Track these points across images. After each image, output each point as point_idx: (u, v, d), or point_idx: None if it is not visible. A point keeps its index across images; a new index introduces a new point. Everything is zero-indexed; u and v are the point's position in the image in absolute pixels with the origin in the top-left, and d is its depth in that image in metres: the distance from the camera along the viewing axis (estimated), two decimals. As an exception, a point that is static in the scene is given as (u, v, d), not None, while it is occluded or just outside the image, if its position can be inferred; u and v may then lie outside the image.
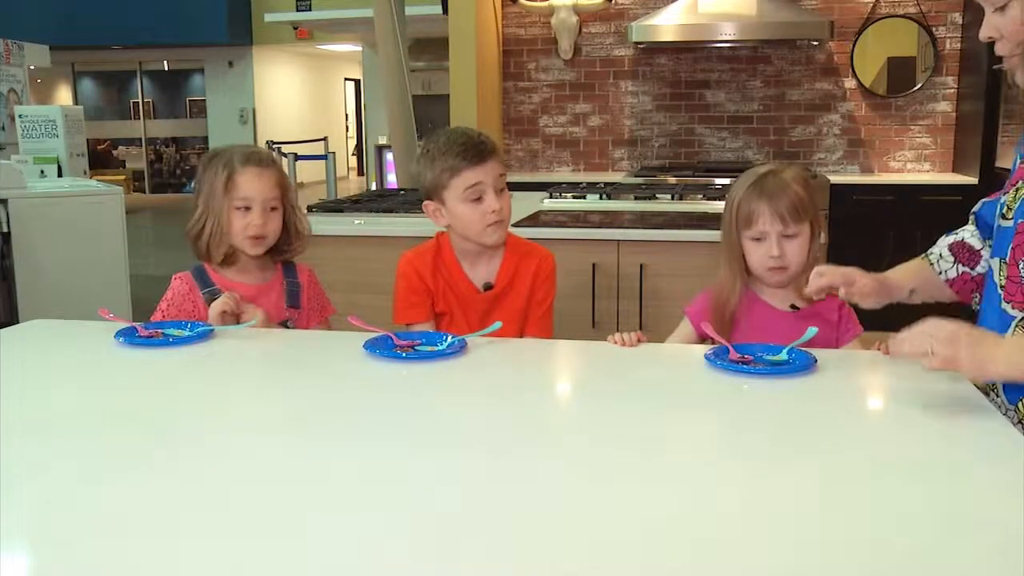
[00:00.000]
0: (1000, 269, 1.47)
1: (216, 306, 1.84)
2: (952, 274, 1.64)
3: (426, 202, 1.94)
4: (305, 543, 0.91)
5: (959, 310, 1.55)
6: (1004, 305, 1.44)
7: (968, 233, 1.66)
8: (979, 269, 1.63)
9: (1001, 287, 1.46)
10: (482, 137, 1.92)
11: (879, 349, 1.61)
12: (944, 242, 1.69)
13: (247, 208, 1.90)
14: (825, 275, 1.59)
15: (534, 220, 3.10)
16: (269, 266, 2.00)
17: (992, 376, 1.26)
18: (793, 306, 1.79)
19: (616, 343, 1.67)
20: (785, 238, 1.73)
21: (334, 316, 2.09)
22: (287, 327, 1.96)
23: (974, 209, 1.68)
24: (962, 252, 1.64)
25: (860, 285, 1.58)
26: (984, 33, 1.48)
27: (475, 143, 1.88)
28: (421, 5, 5.83)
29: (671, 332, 1.89)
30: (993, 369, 1.26)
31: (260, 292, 1.95)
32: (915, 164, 5.25)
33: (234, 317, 1.85)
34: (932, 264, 1.66)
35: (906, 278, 1.66)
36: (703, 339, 1.76)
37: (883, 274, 1.65)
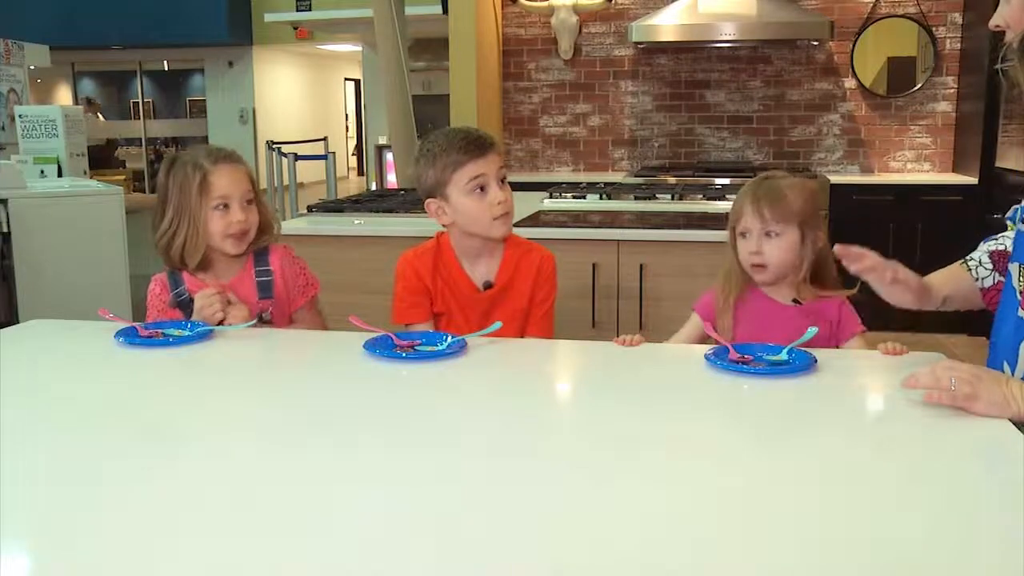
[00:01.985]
0: (1018, 275, 1.45)
1: (207, 316, 1.83)
2: (989, 282, 1.60)
3: (428, 201, 1.93)
4: (305, 543, 0.91)
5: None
6: (1021, 312, 1.43)
7: (1010, 241, 1.61)
8: None
9: (1020, 293, 1.44)
10: (480, 132, 1.93)
11: (881, 350, 1.61)
12: (984, 248, 1.65)
13: (225, 206, 1.88)
14: (867, 256, 1.53)
15: (534, 220, 3.10)
16: (239, 260, 1.97)
17: (1012, 415, 1.25)
18: (795, 300, 1.82)
19: (620, 343, 1.68)
20: (766, 236, 1.78)
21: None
22: (263, 319, 1.93)
23: (1008, 215, 1.63)
24: (1001, 261, 1.60)
25: (903, 274, 1.53)
26: (992, 22, 1.47)
27: (475, 137, 1.90)
28: (421, 5, 5.83)
29: (671, 332, 1.89)
30: (1016, 407, 1.25)
31: (231, 287, 1.92)
32: (915, 164, 5.25)
33: (223, 311, 1.84)
34: (970, 270, 1.63)
35: (941, 284, 1.62)
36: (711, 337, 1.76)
37: (923, 277, 1.62)
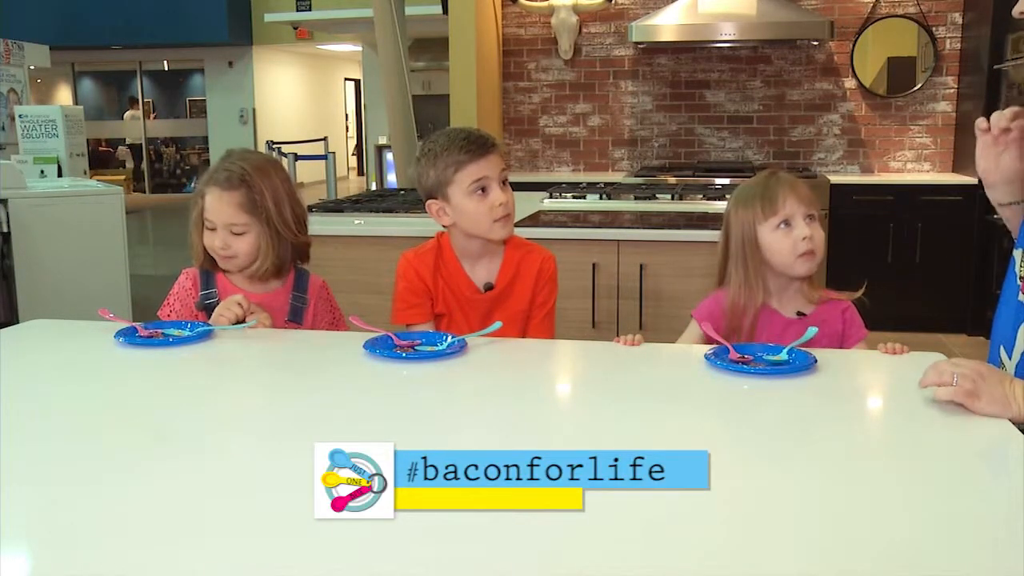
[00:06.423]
0: (1021, 261, 1.46)
1: (220, 318, 1.81)
2: None
3: (429, 201, 1.92)
4: (304, 543, 0.91)
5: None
6: (1021, 297, 1.43)
7: None
8: None
9: (1020, 279, 1.45)
10: (481, 132, 1.92)
11: (881, 350, 1.61)
12: None
13: (213, 228, 1.87)
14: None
15: (534, 220, 3.10)
16: (280, 275, 1.95)
17: (1012, 415, 1.25)
18: (799, 313, 1.78)
19: (621, 343, 1.67)
20: (809, 219, 1.75)
21: None
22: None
23: None
24: None
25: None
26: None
27: (476, 137, 1.89)
28: (421, 5, 5.83)
29: (671, 332, 1.88)
30: (1016, 407, 1.25)
31: (263, 302, 1.90)
32: (915, 164, 5.25)
33: (240, 320, 1.84)
34: None
35: None
36: (711, 341, 1.74)
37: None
